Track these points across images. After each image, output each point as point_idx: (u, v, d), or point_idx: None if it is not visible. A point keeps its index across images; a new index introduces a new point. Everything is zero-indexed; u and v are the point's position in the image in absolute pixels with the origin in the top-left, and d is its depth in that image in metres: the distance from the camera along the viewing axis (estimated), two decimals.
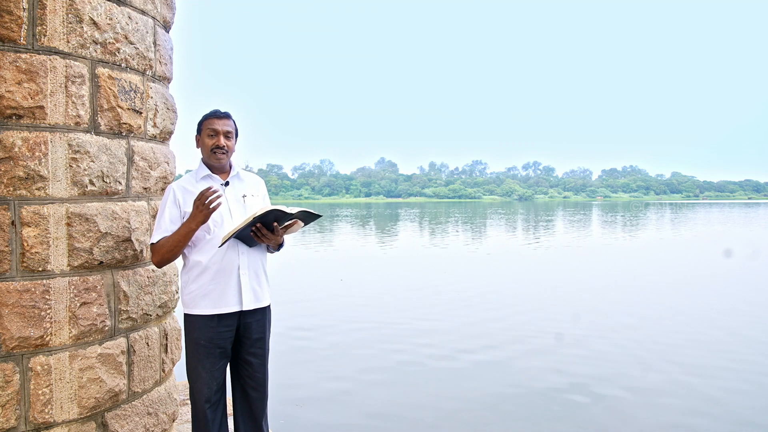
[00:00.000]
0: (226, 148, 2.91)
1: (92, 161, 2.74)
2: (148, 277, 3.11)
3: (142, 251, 3.04)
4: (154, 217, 3.14)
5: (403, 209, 77.64)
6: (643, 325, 9.12)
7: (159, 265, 2.81)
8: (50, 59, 2.58)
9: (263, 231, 2.75)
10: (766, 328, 9.11)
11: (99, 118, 2.78)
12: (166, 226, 2.76)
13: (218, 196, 2.67)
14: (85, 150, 2.71)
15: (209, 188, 2.65)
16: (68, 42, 2.64)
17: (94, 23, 2.73)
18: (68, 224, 2.66)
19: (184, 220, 2.77)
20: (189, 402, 2.97)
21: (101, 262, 2.79)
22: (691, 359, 7.25)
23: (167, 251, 2.73)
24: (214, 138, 2.90)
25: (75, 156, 2.67)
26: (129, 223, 2.93)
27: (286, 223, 2.84)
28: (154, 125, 3.17)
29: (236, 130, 3.01)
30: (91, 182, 2.74)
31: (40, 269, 2.58)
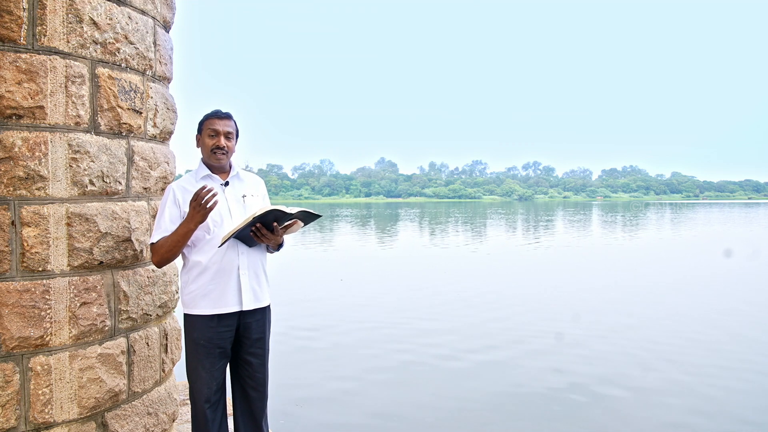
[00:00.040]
0: (226, 148, 2.91)
1: (92, 161, 2.74)
2: (148, 277, 3.11)
3: (142, 251, 3.04)
4: (154, 217, 3.14)
5: (403, 209, 77.64)
6: (643, 324, 9.12)
7: (159, 265, 2.81)
8: (50, 59, 2.58)
9: (263, 231, 2.75)
10: (765, 328, 9.11)
11: (99, 118, 2.78)
12: (165, 226, 2.76)
13: (214, 195, 2.66)
14: (85, 150, 2.71)
15: (204, 188, 2.64)
16: (68, 42, 2.64)
17: (94, 23, 2.73)
18: (68, 224, 2.66)
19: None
20: (189, 402, 2.97)
21: (101, 262, 2.79)
22: (690, 359, 7.25)
23: (166, 251, 2.73)
24: (215, 138, 2.90)
25: (75, 156, 2.67)
26: (129, 223, 2.93)
27: (286, 223, 2.84)
28: (154, 125, 3.17)
29: (237, 131, 3.01)
30: (91, 182, 2.74)
31: (40, 269, 2.58)
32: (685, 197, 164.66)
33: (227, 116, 2.95)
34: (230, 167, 3.00)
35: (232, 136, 2.96)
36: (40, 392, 2.58)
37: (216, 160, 2.91)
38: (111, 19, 2.81)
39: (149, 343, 3.10)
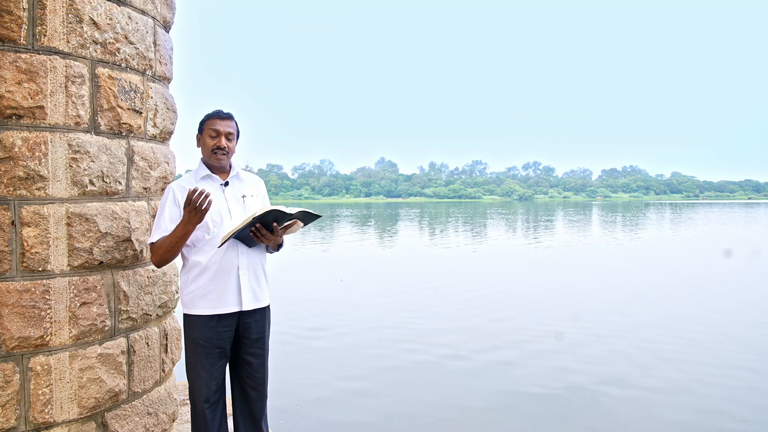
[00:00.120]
0: (227, 149, 2.91)
1: (92, 161, 2.74)
2: (148, 277, 3.11)
3: (142, 251, 3.04)
4: (153, 216, 3.14)
5: (403, 209, 77.65)
6: (644, 324, 9.12)
7: (158, 265, 2.81)
8: (50, 59, 2.58)
9: (263, 231, 2.75)
10: (764, 328, 9.11)
11: (99, 118, 2.78)
12: (165, 226, 2.76)
13: (207, 196, 2.62)
14: (85, 150, 2.71)
15: (194, 191, 2.61)
16: (68, 42, 2.64)
17: (94, 23, 2.73)
18: (68, 224, 2.66)
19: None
20: (189, 402, 2.97)
21: (101, 262, 2.79)
22: (692, 359, 7.25)
23: (165, 252, 2.73)
24: (216, 139, 2.90)
25: (75, 156, 2.67)
26: (129, 223, 2.93)
27: (286, 224, 2.84)
28: (154, 125, 3.17)
29: (238, 132, 3.02)
30: (91, 182, 2.74)
31: (40, 269, 2.58)
32: (685, 197, 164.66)
33: (228, 117, 2.95)
34: (230, 167, 3.00)
35: (233, 136, 2.96)
36: (40, 392, 2.58)
37: (216, 160, 2.91)
38: (111, 19, 2.81)
39: (149, 343, 3.10)
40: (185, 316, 2.87)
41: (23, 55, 2.52)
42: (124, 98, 2.89)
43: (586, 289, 12.39)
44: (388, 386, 6.31)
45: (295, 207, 2.79)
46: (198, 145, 2.99)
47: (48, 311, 2.59)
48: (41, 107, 2.56)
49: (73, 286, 2.68)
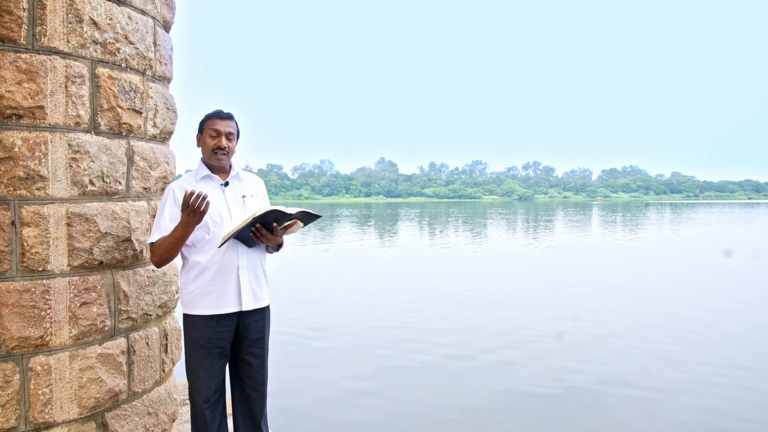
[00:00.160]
0: (227, 149, 2.91)
1: (92, 161, 2.74)
2: (148, 277, 3.11)
3: (142, 251, 3.04)
4: (153, 216, 3.13)
5: (403, 209, 77.64)
6: (648, 325, 9.12)
7: (158, 265, 2.81)
8: (50, 59, 2.58)
9: (263, 231, 2.75)
10: (763, 329, 9.11)
11: (99, 118, 2.78)
12: (165, 226, 2.76)
13: (204, 198, 2.60)
14: (85, 150, 2.71)
15: (192, 193, 2.59)
16: (68, 42, 2.64)
17: (94, 23, 2.73)
18: (68, 224, 2.66)
19: None
20: (189, 402, 2.97)
21: (101, 262, 2.79)
22: (692, 359, 7.25)
23: (164, 252, 2.72)
24: (216, 139, 2.90)
25: (75, 156, 2.67)
26: (129, 223, 2.93)
27: (286, 224, 2.84)
28: (154, 125, 3.17)
29: (238, 132, 3.02)
30: (91, 182, 2.74)
31: (40, 269, 2.58)
32: (685, 197, 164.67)
33: (229, 117, 2.95)
34: (230, 167, 3.00)
35: (233, 136, 2.96)
36: (40, 392, 2.58)
37: (217, 160, 2.91)
38: (111, 19, 2.81)
39: (149, 343, 3.10)
40: (185, 316, 2.87)
41: (23, 55, 2.52)
42: (124, 98, 2.89)
43: (586, 289, 12.39)
44: (389, 386, 6.31)
45: (295, 207, 2.79)
46: (198, 145, 2.99)
47: (48, 311, 2.59)
48: (41, 107, 2.56)
49: (73, 286, 2.68)
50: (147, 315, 3.08)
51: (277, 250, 2.96)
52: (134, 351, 2.98)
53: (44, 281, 2.59)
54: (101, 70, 2.78)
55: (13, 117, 2.51)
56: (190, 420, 2.97)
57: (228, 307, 2.82)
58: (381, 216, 54.96)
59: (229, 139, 2.92)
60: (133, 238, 2.95)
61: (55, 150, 2.61)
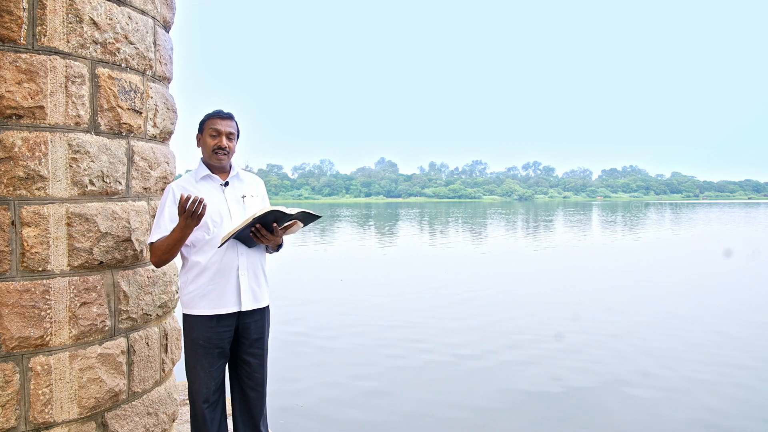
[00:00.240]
0: (228, 149, 2.91)
1: (92, 161, 2.74)
2: (148, 277, 3.11)
3: (142, 251, 3.04)
4: (154, 216, 3.13)
5: (403, 209, 77.64)
6: (650, 324, 9.12)
7: (157, 265, 2.81)
8: (50, 59, 2.58)
9: (263, 232, 2.75)
10: (762, 330, 9.11)
11: (99, 118, 2.78)
12: (165, 226, 2.76)
13: (200, 202, 2.59)
14: (85, 150, 2.71)
15: (187, 198, 2.58)
16: (68, 42, 2.64)
17: (94, 23, 2.73)
18: (68, 224, 2.66)
19: None
20: (188, 402, 2.97)
21: (101, 262, 2.79)
22: (696, 360, 7.25)
23: (163, 252, 2.72)
24: (217, 138, 2.90)
25: (75, 156, 2.67)
26: (129, 223, 2.93)
27: (286, 224, 2.84)
28: (154, 125, 3.17)
29: (238, 132, 3.02)
30: (91, 182, 2.74)
31: (40, 269, 2.58)
32: (685, 197, 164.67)
33: (229, 116, 2.95)
34: (230, 167, 3.00)
35: (233, 136, 2.96)
36: (40, 392, 2.58)
37: (217, 160, 2.91)
38: (111, 19, 2.81)
39: (149, 343, 3.10)
40: (185, 316, 2.87)
41: (23, 55, 2.52)
42: (124, 98, 2.89)
43: (587, 290, 12.38)
44: (389, 386, 6.30)
45: (295, 207, 2.79)
46: (198, 145, 2.99)
47: (48, 311, 2.59)
48: (41, 107, 2.56)
49: (73, 286, 2.68)
50: (147, 315, 3.08)
51: (277, 250, 2.96)
52: (134, 351, 2.98)
53: (44, 281, 2.59)
54: (101, 70, 2.78)
55: (13, 117, 2.51)
56: (190, 420, 2.97)
57: (227, 307, 2.82)
58: (381, 216, 54.95)
59: (229, 139, 2.93)
60: (133, 238, 2.95)
61: (55, 150, 2.61)
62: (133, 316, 2.97)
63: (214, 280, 2.80)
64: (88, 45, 2.71)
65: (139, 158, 3.04)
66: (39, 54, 2.56)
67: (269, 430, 3.28)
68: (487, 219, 47.34)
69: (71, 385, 2.67)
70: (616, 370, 6.79)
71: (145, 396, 3.08)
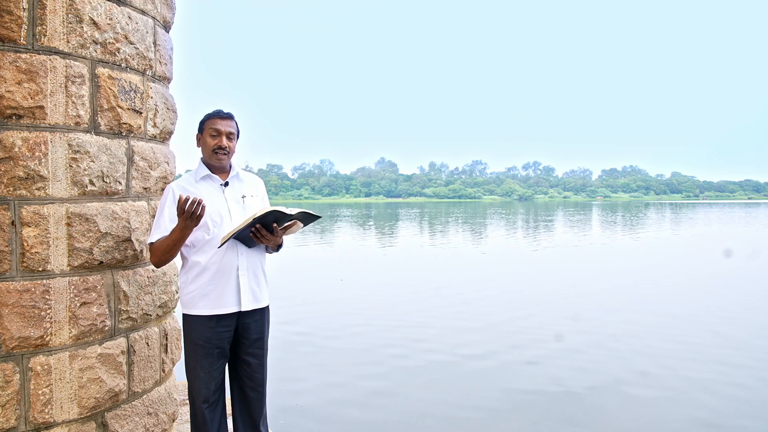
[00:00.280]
0: (228, 149, 2.91)
1: (92, 161, 2.74)
2: (148, 277, 3.11)
3: (142, 251, 3.04)
4: (153, 216, 3.13)
5: (403, 209, 77.64)
6: (654, 324, 9.12)
7: (157, 266, 2.81)
8: (50, 59, 2.58)
9: (262, 232, 2.75)
10: (761, 330, 9.11)
11: (99, 118, 2.78)
12: (165, 226, 2.76)
13: (199, 203, 2.59)
14: (85, 150, 2.71)
15: (186, 200, 2.57)
16: (68, 42, 2.64)
17: (94, 23, 2.73)
18: (68, 224, 2.66)
19: None
20: (188, 402, 2.97)
21: (101, 262, 2.79)
22: (698, 360, 7.26)
23: (163, 253, 2.72)
24: (217, 138, 2.90)
25: (75, 156, 2.67)
26: (129, 223, 2.93)
27: (286, 224, 2.84)
28: (154, 125, 3.17)
29: (238, 132, 3.02)
30: (91, 182, 2.74)
31: (40, 269, 2.58)
32: (685, 197, 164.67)
33: (229, 116, 2.95)
34: (230, 167, 3.00)
35: (233, 136, 2.96)
36: (40, 392, 2.58)
37: (217, 160, 2.91)
38: (111, 19, 2.81)
39: (149, 343, 3.10)
40: (184, 316, 2.87)
41: (23, 55, 2.52)
42: (124, 98, 2.89)
43: (588, 290, 12.38)
44: (389, 386, 6.30)
45: (295, 207, 2.79)
46: (198, 145, 2.99)
47: (48, 311, 2.59)
48: (41, 107, 2.56)
49: (73, 286, 2.68)
50: (147, 315, 3.08)
51: (277, 250, 2.96)
52: (134, 351, 2.98)
53: (44, 281, 2.59)
54: (101, 70, 2.78)
55: (13, 117, 2.52)
56: (189, 420, 2.97)
57: (227, 307, 2.82)
58: (381, 216, 54.95)
59: (229, 139, 2.93)
60: (133, 238, 2.95)
61: (55, 150, 2.61)
62: (133, 316, 2.97)
63: (214, 280, 2.80)
64: (88, 45, 2.71)
65: (139, 158, 3.04)
66: (39, 54, 2.56)
67: (269, 430, 3.28)
68: (487, 219, 47.33)
69: (71, 385, 2.67)
70: (617, 370, 6.79)
71: (145, 396, 3.08)
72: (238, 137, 3.02)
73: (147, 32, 3.07)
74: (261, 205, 3.02)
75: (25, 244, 2.54)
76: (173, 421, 3.40)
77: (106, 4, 2.79)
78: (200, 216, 2.62)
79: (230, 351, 2.92)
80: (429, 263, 17.49)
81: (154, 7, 3.16)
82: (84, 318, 2.71)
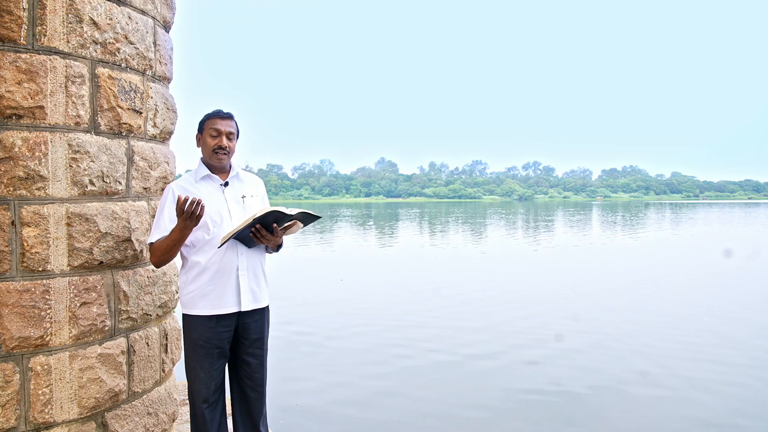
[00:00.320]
0: (228, 149, 2.91)
1: (92, 161, 2.74)
2: (148, 277, 3.11)
3: (142, 251, 3.04)
4: (153, 216, 3.13)
5: (403, 209, 77.63)
6: (661, 324, 9.12)
7: (157, 266, 2.81)
8: (50, 59, 2.58)
9: (262, 232, 2.75)
10: (761, 331, 9.11)
11: (99, 118, 2.78)
12: (165, 226, 2.76)
13: (198, 203, 2.59)
14: (85, 150, 2.71)
15: (185, 200, 2.57)
16: (68, 42, 2.64)
17: (94, 23, 2.73)
18: (68, 224, 2.66)
19: None
20: (188, 402, 2.97)
21: (101, 262, 2.79)
22: (698, 359, 7.25)
23: (163, 253, 2.72)
24: (217, 138, 2.90)
25: (75, 156, 2.67)
26: (129, 223, 2.93)
27: (286, 225, 2.84)
28: (154, 125, 3.17)
29: (238, 131, 3.02)
30: (91, 182, 2.74)
31: (40, 269, 2.58)
32: (685, 197, 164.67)
33: (229, 116, 2.95)
34: (230, 168, 3.00)
35: (233, 136, 2.96)
36: (40, 392, 2.58)
37: (218, 160, 2.91)
38: (111, 19, 2.81)
39: (149, 343, 3.10)
40: (184, 316, 2.87)
41: (23, 55, 2.52)
42: (124, 98, 2.89)
43: (588, 290, 12.38)
44: (389, 385, 6.30)
45: (295, 208, 2.79)
46: (198, 145, 2.99)
47: (48, 311, 2.59)
48: (41, 107, 2.56)
49: (73, 286, 2.68)
50: (147, 315, 3.08)
51: (277, 250, 2.96)
52: (134, 351, 2.99)
53: (44, 281, 2.59)
54: (101, 70, 2.78)
55: (13, 117, 2.52)
56: (189, 420, 2.97)
57: (227, 307, 2.82)
58: (381, 216, 54.95)
59: (229, 139, 2.93)
60: (133, 238, 2.95)
61: (55, 150, 2.61)
62: (133, 316, 2.97)
63: (214, 281, 2.80)
64: (88, 45, 2.71)
65: (139, 158, 3.04)
66: (39, 54, 2.56)
67: (269, 430, 3.28)
68: (487, 219, 47.33)
69: (71, 385, 2.67)
70: (617, 370, 6.79)
71: (145, 396, 3.08)
72: (237, 137, 3.02)
73: (147, 32, 3.07)
74: (261, 206, 3.02)
75: (25, 244, 2.54)
76: (173, 421, 3.40)
77: (106, 4, 2.79)
78: (200, 216, 2.62)
79: (230, 351, 2.92)
80: (429, 263, 17.49)
81: (154, 7, 3.16)
82: (84, 318, 2.71)
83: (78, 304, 2.69)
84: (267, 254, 3.03)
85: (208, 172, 2.93)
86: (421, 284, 13.10)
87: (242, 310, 2.85)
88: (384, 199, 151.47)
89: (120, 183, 2.91)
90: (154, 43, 3.15)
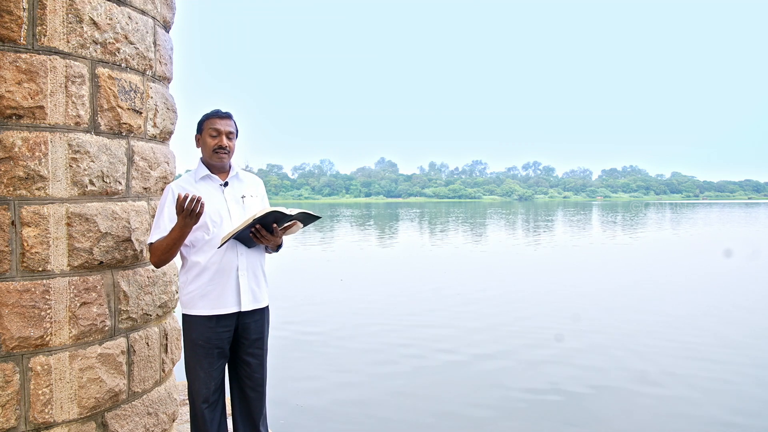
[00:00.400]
0: (228, 148, 2.91)
1: (92, 161, 2.74)
2: (148, 277, 3.11)
3: (142, 251, 3.04)
4: (153, 216, 3.13)
5: (403, 209, 77.63)
6: (661, 324, 9.12)
7: (157, 266, 2.81)
8: (50, 59, 2.59)
9: (262, 232, 2.75)
10: (760, 331, 9.11)
11: (99, 118, 2.78)
12: (164, 226, 2.76)
13: (198, 200, 2.59)
14: (85, 150, 2.71)
15: (185, 197, 2.58)
16: (68, 42, 2.64)
17: (94, 23, 2.73)
18: (68, 224, 2.66)
19: None
20: (188, 402, 2.97)
21: (101, 262, 2.79)
22: (698, 359, 7.26)
23: (163, 253, 2.72)
24: (217, 138, 2.90)
25: (75, 156, 2.67)
26: (129, 223, 2.93)
27: (286, 225, 2.84)
28: (154, 125, 3.17)
29: (237, 131, 3.02)
30: (91, 182, 2.74)
31: (40, 269, 2.58)
32: (685, 197, 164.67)
33: (228, 116, 2.96)
34: (230, 167, 3.00)
35: (233, 135, 2.96)
36: (40, 392, 2.58)
37: (218, 159, 2.91)
38: (111, 19, 2.81)
39: (149, 343, 3.10)
40: (184, 316, 2.87)
41: (23, 55, 2.52)
42: (124, 98, 2.89)
43: (592, 290, 12.39)
44: (389, 386, 6.31)
45: (294, 208, 2.79)
46: (197, 146, 2.99)
47: (48, 311, 2.60)
48: (41, 107, 2.56)
49: (73, 286, 2.68)
50: (147, 315, 3.08)
51: (277, 250, 2.97)
52: (134, 351, 2.99)
53: (44, 281, 2.59)
54: (101, 70, 2.78)
55: (13, 117, 2.52)
56: (189, 420, 2.97)
57: (227, 307, 2.82)
58: (381, 216, 54.95)
59: (229, 138, 2.93)
60: (133, 238, 2.95)
61: (55, 150, 2.61)
62: (133, 316, 2.97)
63: (214, 281, 2.80)
64: (88, 45, 2.72)
65: (139, 158, 3.04)
66: (39, 54, 2.56)
67: (269, 430, 3.28)
68: (487, 219, 47.32)
69: (71, 385, 2.67)
70: (616, 370, 6.79)
71: (145, 396, 3.08)
72: (237, 136, 3.02)
73: (147, 32, 3.07)
74: (260, 206, 3.02)
75: (25, 244, 2.54)
76: (173, 421, 3.40)
77: (106, 4, 2.79)
78: (199, 214, 2.62)
79: (230, 351, 2.92)
80: (429, 263, 17.49)
81: (154, 7, 3.16)
82: (84, 318, 2.71)
83: (78, 304, 2.69)
84: (267, 254, 3.03)
85: (208, 172, 2.93)
86: (421, 284, 13.10)
87: (242, 310, 2.85)
88: (384, 199, 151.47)
89: (120, 183, 2.91)
90: (154, 43, 3.15)
